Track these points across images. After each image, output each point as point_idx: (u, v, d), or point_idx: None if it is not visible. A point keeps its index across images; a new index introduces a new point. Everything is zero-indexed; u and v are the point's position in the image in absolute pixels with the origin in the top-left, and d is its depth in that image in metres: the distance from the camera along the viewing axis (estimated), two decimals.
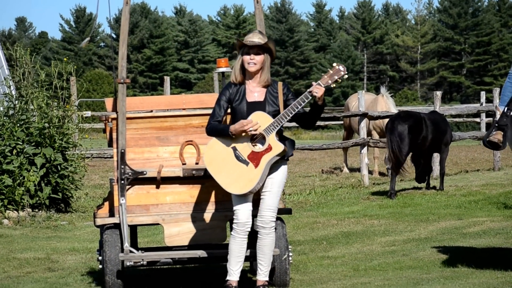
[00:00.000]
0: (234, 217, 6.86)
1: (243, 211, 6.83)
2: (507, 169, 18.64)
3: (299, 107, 6.79)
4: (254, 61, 6.86)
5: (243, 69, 6.91)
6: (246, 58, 6.87)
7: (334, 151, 24.78)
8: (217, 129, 6.83)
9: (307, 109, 6.95)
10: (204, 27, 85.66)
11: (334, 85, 6.85)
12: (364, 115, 17.29)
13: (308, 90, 6.82)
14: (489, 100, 29.11)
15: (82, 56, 78.50)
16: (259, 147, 6.79)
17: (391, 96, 19.82)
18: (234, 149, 6.81)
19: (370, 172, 18.36)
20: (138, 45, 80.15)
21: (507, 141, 7.89)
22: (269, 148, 6.78)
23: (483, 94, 28.59)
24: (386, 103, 19.08)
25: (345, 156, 19.98)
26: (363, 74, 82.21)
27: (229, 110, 6.97)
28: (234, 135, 6.79)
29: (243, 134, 6.79)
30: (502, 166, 19.07)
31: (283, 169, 6.92)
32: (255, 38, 6.87)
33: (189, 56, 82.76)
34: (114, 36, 69.39)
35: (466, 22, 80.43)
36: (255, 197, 6.96)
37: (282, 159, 6.89)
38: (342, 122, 27.06)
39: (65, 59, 13.97)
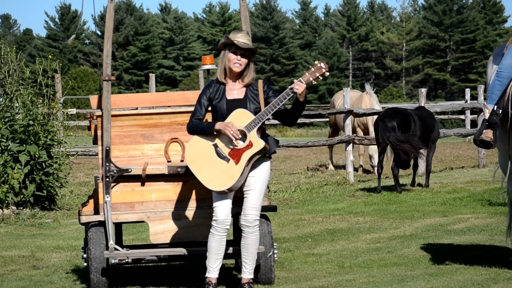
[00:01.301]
0: (213, 214, 6.89)
1: (222, 209, 6.85)
2: (491, 166, 18.73)
3: (280, 104, 6.81)
4: (240, 62, 6.90)
5: (225, 68, 6.93)
6: (232, 57, 6.89)
7: (320, 149, 24.84)
8: (200, 127, 6.86)
9: (290, 106, 6.97)
10: (189, 24, 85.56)
11: (315, 82, 6.89)
12: (349, 112, 17.33)
13: (289, 87, 6.84)
14: (473, 97, 29.24)
15: (67, 53, 78.25)
16: (240, 144, 6.81)
17: (376, 93, 19.90)
18: (215, 146, 6.84)
19: (355, 169, 18.41)
20: (123, 42, 79.95)
21: (496, 139, 7.89)
22: (250, 145, 6.80)
23: (467, 91, 28.72)
24: (370, 101, 19.13)
25: (330, 153, 20.02)
26: (348, 71, 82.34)
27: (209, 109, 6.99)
28: (217, 131, 6.81)
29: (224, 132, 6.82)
30: (486, 163, 19.17)
31: (265, 166, 6.93)
32: (244, 39, 6.89)
33: (174, 53, 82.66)
34: (99, 33, 69.20)
35: (451, 19, 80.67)
36: (239, 195, 6.97)
37: (265, 156, 6.90)
38: (327, 119, 27.13)
39: (50, 56, 13.95)
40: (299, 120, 36.28)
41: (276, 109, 6.81)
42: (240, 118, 6.83)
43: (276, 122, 24.51)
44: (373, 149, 18.18)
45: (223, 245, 6.93)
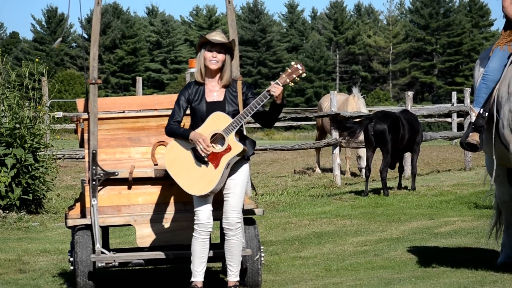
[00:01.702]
0: (195, 218, 6.89)
1: (203, 212, 6.86)
2: (478, 169, 18.80)
3: (258, 106, 6.81)
4: (216, 59, 6.90)
5: (203, 69, 6.95)
6: (208, 55, 6.91)
7: (307, 152, 24.87)
8: (176, 132, 6.88)
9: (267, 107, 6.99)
10: (176, 27, 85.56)
11: (292, 83, 6.88)
12: (336, 116, 17.36)
13: (266, 89, 6.85)
14: (460, 100, 29.31)
15: (54, 57, 78.12)
16: (218, 148, 6.81)
17: (363, 96, 19.95)
18: (194, 150, 6.84)
19: (342, 173, 18.44)
20: (110, 45, 79.87)
21: (482, 142, 7.92)
22: (229, 149, 6.81)
23: (454, 95, 28.79)
24: (356, 104, 19.20)
25: (317, 157, 20.06)
26: (335, 74, 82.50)
27: (188, 111, 6.99)
28: (192, 141, 6.82)
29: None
30: (473, 166, 19.24)
31: (244, 169, 6.93)
32: (218, 36, 6.91)
33: (161, 56, 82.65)
34: (86, 36, 69.09)
35: (438, 22, 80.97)
36: (218, 198, 6.98)
37: (243, 159, 6.91)
38: (314, 122, 27.17)
39: (36, 59, 13.94)
40: (287, 123, 36.37)
41: (253, 112, 6.81)
42: (218, 122, 6.83)
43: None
44: (363, 151, 18.24)
45: (207, 248, 6.94)
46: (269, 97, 6.82)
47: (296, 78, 6.87)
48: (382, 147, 14.68)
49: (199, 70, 6.96)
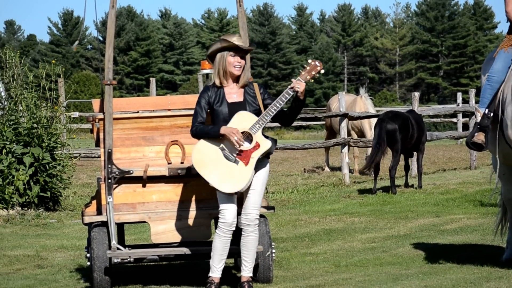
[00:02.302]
0: (220, 216, 6.92)
1: (230, 211, 6.92)
2: (483, 168, 18.85)
3: (282, 103, 6.89)
4: (240, 64, 6.97)
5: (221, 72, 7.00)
6: (232, 60, 6.95)
7: (316, 151, 24.92)
8: (205, 131, 6.89)
9: (285, 107, 7.08)
10: (188, 30, 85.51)
11: (312, 80, 6.99)
12: (344, 116, 17.50)
13: (289, 87, 6.93)
14: (465, 101, 29.33)
15: (70, 58, 78.22)
16: (247, 145, 6.88)
17: (370, 97, 20.06)
18: (222, 149, 6.89)
19: (351, 171, 18.54)
20: (125, 47, 79.94)
21: (488, 141, 7.99)
22: (257, 146, 6.88)
23: (459, 95, 28.81)
24: (364, 104, 19.31)
25: (326, 156, 20.16)
26: (343, 75, 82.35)
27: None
28: (222, 136, 6.87)
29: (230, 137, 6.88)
30: (478, 165, 19.28)
31: (266, 167, 7.02)
32: (240, 41, 6.98)
33: (174, 58, 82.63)
34: (101, 38, 69.18)
35: (443, 25, 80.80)
36: (238, 196, 7.04)
37: (265, 157, 6.99)
38: (323, 122, 27.27)
39: (53, 61, 14.03)
40: (296, 123, 36.28)
41: (278, 109, 6.88)
42: (243, 120, 6.90)
43: (273, 124, 24.68)
44: None
45: (228, 246, 7.00)
46: (292, 93, 6.90)
47: (316, 74, 6.98)
48: (392, 146, 14.83)
49: (219, 73, 7.00)
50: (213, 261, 7.03)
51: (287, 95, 6.91)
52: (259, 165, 6.97)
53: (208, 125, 6.96)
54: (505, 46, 8.07)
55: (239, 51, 6.95)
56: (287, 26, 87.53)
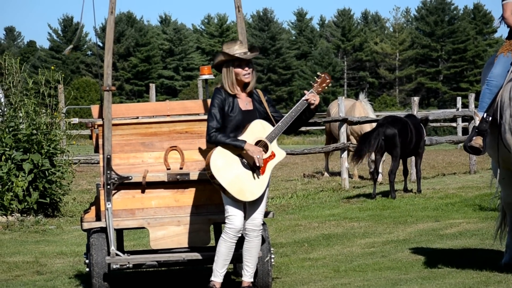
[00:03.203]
0: (228, 222, 6.96)
1: (239, 217, 6.97)
2: (482, 172, 18.86)
3: (296, 114, 7.03)
4: (248, 72, 7.03)
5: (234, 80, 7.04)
6: (240, 71, 7.00)
7: (316, 156, 24.94)
8: (224, 141, 6.92)
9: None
10: (188, 35, 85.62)
11: (322, 93, 7.16)
12: (344, 121, 17.52)
13: (303, 98, 7.05)
14: (465, 106, 29.41)
15: (70, 64, 78.35)
16: (263, 155, 6.98)
17: (370, 102, 20.10)
18: (240, 157, 6.96)
19: (350, 176, 18.56)
20: (125, 53, 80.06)
21: (486, 146, 8.01)
22: (273, 155, 7.02)
23: (459, 100, 28.89)
24: (364, 109, 19.35)
25: (326, 161, 20.18)
26: (343, 80, 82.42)
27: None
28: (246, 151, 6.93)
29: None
30: (477, 170, 19.30)
31: (270, 174, 7.09)
32: (242, 49, 7.01)
33: (174, 63, 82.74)
34: (101, 44, 69.24)
35: (443, 29, 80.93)
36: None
37: None
38: (323, 127, 27.29)
39: (52, 67, 14.05)
40: None
41: (293, 119, 7.03)
42: (261, 129, 7.00)
43: None
44: None
45: (232, 252, 7.04)
46: (306, 104, 7.04)
47: (325, 87, 7.16)
48: (392, 151, 14.86)
49: (229, 85, 7.03)
50: (216, 266, 7.07)
51: (300, 107, 7.05)
52: None
53: (226, 135, 6.96)
54: (504, 51, 8.09)
55: (244, 60, 7.01)
56: (287, 31, 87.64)
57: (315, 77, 7.16)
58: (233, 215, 6.96)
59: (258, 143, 6.98)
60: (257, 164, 6.93)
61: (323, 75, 7.14)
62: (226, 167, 6.93)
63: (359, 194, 15.75)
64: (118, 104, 8.07)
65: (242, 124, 7.00)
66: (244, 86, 7.09)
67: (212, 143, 6.97)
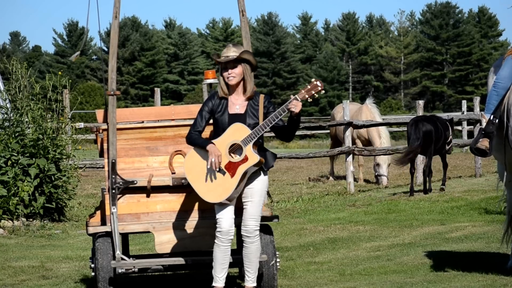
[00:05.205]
0: (217, 225, 6.96)
1: (225, 220, 6.94)
2: (488, 176, 18.85)
3: (276, 119, 6.92)
4: (232, 75, 6.99)
5: (226, 83, 7.05)
6: (224, 73, 7.02)
7: (321, 159, 24.96)
8: (196, 142, 6.98)
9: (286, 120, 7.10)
10: (193, 39, 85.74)
11: (311, 99, 6.97)
12: (349, 124, 17.54)
13: (285, 104, 6.93)
14: (470, 109, 29.40)
15: (75, 69, 78.53)
16: (236, 158, 6.90)
17: (375, 105, 20.12)
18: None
19: (356, 180, 18.57)
20: (130, 57, 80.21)
21: (492, 148, 8.00)
22: (245, 159, 6.90)
23: (464, 103, 28.90)
24: (370, 112, 19.36)
25: (331, 164, 20.19)
26: (348, 84, 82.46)
27: (211, 121, 7.09)
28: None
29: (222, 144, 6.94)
30: (483, 173, 19.29)
31: (262, 179, 7.02)
32: (229, 52, 6.99)
33: (179, 68, 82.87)
34: (106, 49, 69.34)
35: (448, 33, 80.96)
36: (238, 206, 7.06)
37: (261, 170, 7.01)
38: (328, 131, 27.31)
39: (59, 73, 14.09)
40: (301, 132, 36.43)
41: (271, 124, 6.92)
42: (237, 132, 6.92)
43: None
44: (382, 159, 18.41)
45: (228, 255, 7.02)
46: (287, 111, 6.91)
47: (315, 94, 6.97)
48: (427, 147, 15.19)
49: (220, 87, 7.07)
50: (215, 271, 7.06)
51: (282, 112, 6.93)
52: (254, 176, 7.00)
53: (199, 136, 7.02)
54: None
55: (228, 63, 6.98)
56: (292, 35, 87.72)
57: (307, 83, 7.05)
58: (220, 218, 6.95)
59: (233, 145, 6.92)
60: (208, 167, 6.89)
61: (314, 81, 6.99)
62: (197, 168, 6.94)
63: (365, 198, 15.75)
64: (122, 108, 8.07)
65: (228, 127, 6.96)
66: (236, 88, 7.03)
67: (188, 144, 7.05)
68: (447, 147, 16.00)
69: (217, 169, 6.90)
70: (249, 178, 6.97)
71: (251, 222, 6.97)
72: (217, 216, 6.96)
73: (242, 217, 7.04)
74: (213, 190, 6.89)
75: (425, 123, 15.23)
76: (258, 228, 7.01)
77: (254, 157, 6.90)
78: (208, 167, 6.89)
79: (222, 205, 6.95)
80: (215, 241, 7.00)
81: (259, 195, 6.99)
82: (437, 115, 16.98)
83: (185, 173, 7.02)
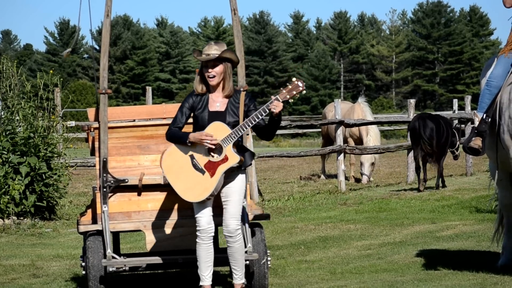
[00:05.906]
0: (196, 224, 6.94)
1: (204, 218, 6.91)
2: (479, 174, 18.93)
3: (257, 120, 6.86)
4: (212, 74, 6.94)
5: (204, 80, 6.99)
6: (206, 73, 6.94)
7: (312, 158, 25.00)
8: (176, 135, 6.92)
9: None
10: (185, 38, 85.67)
11: (292, 100, 6.90)
12: (340, 123, 17.56)
13: (266, 104, 6.88)
14: (461, 108, 29.42)
15: (66, 67, 78.37)
16: (216, 157, 6.86)
17: (367, 103, 20.18)
18: (192, 157, 6.89)
19: (347, 178, 18.61)
20: (121, 56, 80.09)
21: (485, 147, 8.00)
22: (226, 159, 6.85)
23: (455, 102, 28.89)
24: (362, 111, 19.41)
25: (323, 163, 20.22)
26: (340, 83, 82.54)
27: (190, 119, 7.05)
28: (192, 143, 6.87)
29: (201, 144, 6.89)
30: (474, 172, 19.36)
31: (240, 178, 6.98)
32: (210, 50, 6.95)
33: (170, 66, 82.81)
34: (97, 47, 69.23)
35: (439, 32, 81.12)
36: (219, 204, 7.02)
37: (239, 168, 6.96)
38: (320, 129, 27.35)
39: (51, 71, 14.08)
40: (293, 131, 36.53)
41: (252, 125, 6.87)
42: (216, 131, 6.86)
43: None
44: (366, 158, 18.48)
45: (211, 253, 6.99)
46: (268, 111, 6.86)
47: (296, 94, 6.89)
48: (434, 144, 15.46)
49: (199, 83, 6.98)
50: (200, 270, 7.05)
51: (263, 112, 6.87)
52: (233, 175, 6.96)
53: (178, 131, 6.95)
54: (505, 51, 8.06)
55: (209, 61, 6.93)
56: (283, 34, 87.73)
57: (287, 83, 6.96)
58: (199, 216, 6.93)
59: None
60: (206, 147, 6.79)
61: (295, 81, 6.92)
62: (176, 166, 6.89)
63: (356, 196, 15.79)
64: (114, 107, 8.07)
65: (208, 125, 6.90)
66: (216, 87, 6.97)
67: (168, 139, 6.99)
68: (456, 152, 16.48)
69: (215, 148, 6.82)
70: (227, 177, 6.93)
71: (231, 221, 6.94)
72: (196, 215, 6.93)
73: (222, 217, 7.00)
74: (192, 189, 6.85)
75: (428, 121, 15.54)
76: (239, 227, 6.98)
77: (234, 157, 6.87)
78: (206, 148, 6.83)
79: (201, 204, 6.91)
80: (197, 240, 6.98)
81: (238, 194, 6.95)
82: (439, 114, 17.32)
83: (163, 171, 6.96)
